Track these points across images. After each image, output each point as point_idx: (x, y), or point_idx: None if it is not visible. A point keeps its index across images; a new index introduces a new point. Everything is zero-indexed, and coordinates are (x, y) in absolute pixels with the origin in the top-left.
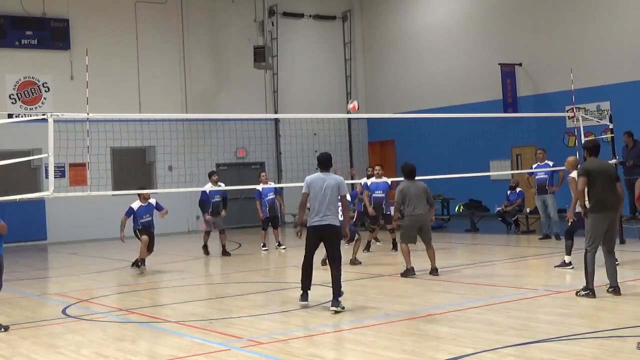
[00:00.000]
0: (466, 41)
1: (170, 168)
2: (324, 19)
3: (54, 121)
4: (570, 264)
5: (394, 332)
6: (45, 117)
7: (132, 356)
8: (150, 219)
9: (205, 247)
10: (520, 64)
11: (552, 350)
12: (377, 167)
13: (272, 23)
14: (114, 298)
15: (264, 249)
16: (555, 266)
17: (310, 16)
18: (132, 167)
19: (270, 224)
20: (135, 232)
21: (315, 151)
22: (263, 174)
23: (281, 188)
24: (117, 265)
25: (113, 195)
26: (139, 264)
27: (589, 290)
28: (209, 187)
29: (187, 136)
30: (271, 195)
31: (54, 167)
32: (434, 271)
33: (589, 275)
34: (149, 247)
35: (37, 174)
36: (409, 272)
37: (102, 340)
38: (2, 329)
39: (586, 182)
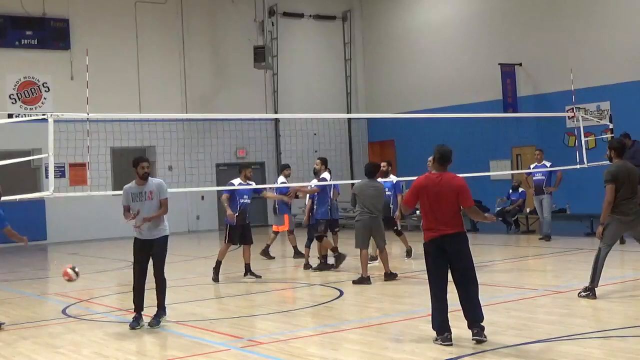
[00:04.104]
0: (466, 41)
1: (170, 168)
2: (324, 19)
3: (54, 121)
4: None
5: (394, 332)
6: (45, 117)
7: (132, 356)
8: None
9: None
10: (520, 64)
11: (552, 350)
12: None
13: (272, 23)
14: (114, 298)
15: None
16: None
17: (310, 16)
18: (132, 167)
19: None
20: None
21: (315, 151)
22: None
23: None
24: (117, 265)
25: (113, 195)
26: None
27: (590, 291)
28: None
29: (187, 136)
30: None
31: (54, 167)
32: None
33: (597, 274)
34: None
35: (37, 174)
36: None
37: (102, 340)
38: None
39: (614, 189)
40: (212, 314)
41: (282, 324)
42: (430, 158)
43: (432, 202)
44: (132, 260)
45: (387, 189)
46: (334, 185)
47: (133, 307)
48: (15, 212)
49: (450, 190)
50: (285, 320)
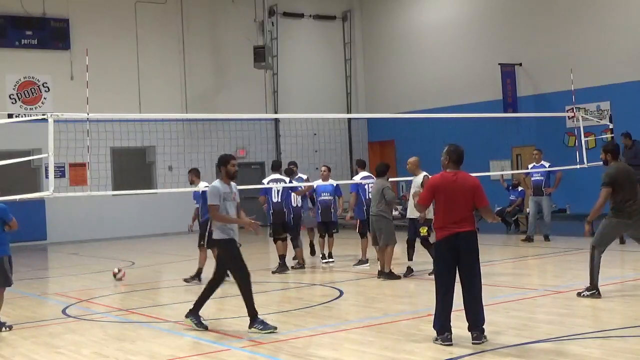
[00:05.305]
0: (466, 41)
1: (170, 168)
2: (324, 19)
3: (54, 121)
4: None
5: (394, 332)
6: (45, 117)
7: (132, 356)
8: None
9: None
10: (520, 64)
11: (552, 350)
12: (323, 168)
13: (272, 23)
14: (114, 298)
15: (324, 261)
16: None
17: (310, 16)
18: (132, 167)
19: (325, 230)
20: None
21: (315, 151)
22: (324, 167)
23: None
24: (117, 265)
25: (113, 195)
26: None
27: (595, 290)
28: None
29: (187, 136)
30: (325, 196)
31: (54, 167)
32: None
33: (595, 275)
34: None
35: (37, 174)
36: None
37: (102, 340)
38: (7, 328)
39: (610, 192)
40: (212, 314)
41: (282, 324)
42: (371, 166)
43: (447, 200)
44: (237, 263)
45: (328, 193)
46: (337, 185)
47: (249, 311)
48: (15, 212)
49: (465, 189)
50: (285, 320)
